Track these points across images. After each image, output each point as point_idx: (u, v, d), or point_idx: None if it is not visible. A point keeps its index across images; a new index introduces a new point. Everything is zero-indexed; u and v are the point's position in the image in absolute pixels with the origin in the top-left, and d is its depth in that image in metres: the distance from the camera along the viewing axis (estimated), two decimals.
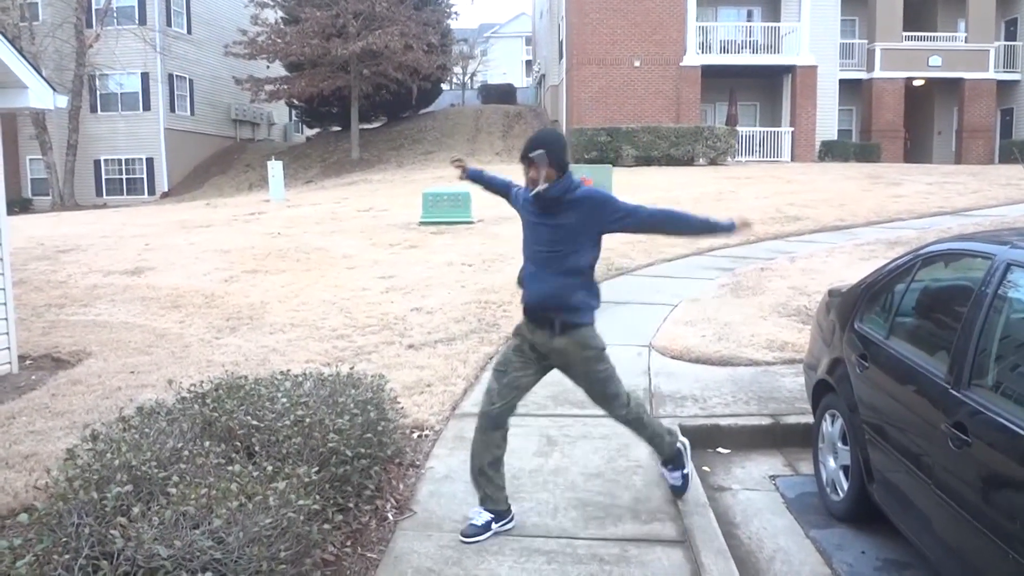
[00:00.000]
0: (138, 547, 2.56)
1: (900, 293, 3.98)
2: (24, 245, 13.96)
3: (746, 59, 27.56)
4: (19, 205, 30.06)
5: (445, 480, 4.34)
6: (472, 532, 3.65)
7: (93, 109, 31.51)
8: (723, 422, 5.24)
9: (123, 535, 2.60)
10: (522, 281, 3.72)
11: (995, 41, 28.86)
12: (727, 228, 3.71)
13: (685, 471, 4.09)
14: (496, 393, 3.73)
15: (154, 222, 17.90)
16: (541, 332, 3.67)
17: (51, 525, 2.76)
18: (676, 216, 3.79)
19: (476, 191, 14.91)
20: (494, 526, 3.69)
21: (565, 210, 3.57)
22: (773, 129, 27.80)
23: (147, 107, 31.58)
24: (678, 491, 4.09)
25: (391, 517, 3.90)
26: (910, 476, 3.30)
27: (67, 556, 2.58)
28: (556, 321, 3.62)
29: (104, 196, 31.78)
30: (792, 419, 5.24)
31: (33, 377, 6.58)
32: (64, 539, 2.67)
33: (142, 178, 32.00)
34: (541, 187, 3.52)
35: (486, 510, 3.71)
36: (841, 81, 28.38)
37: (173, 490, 2.90)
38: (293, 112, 38.57)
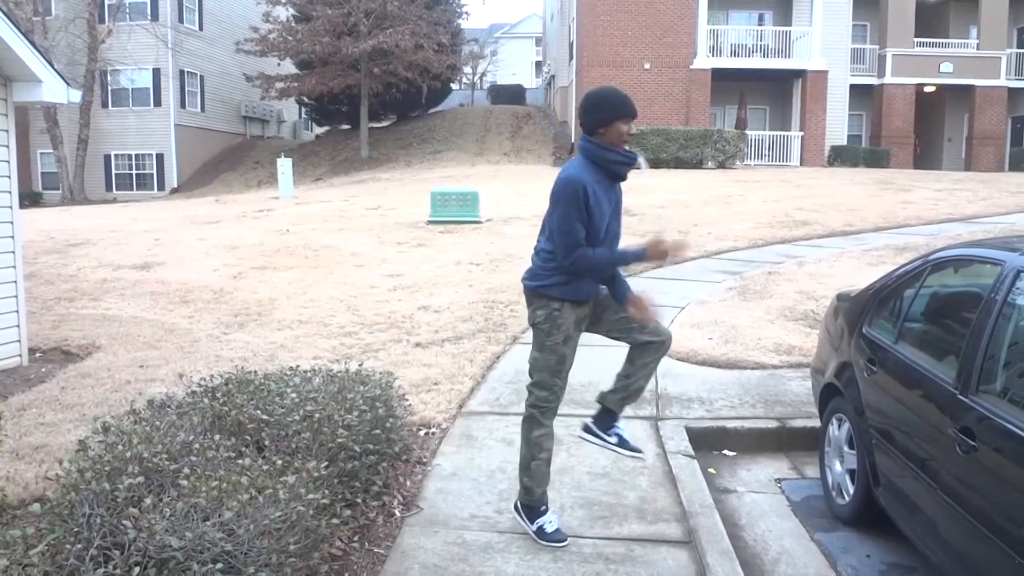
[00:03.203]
0: (149, 538, 2.58)
1: (909, 298, 3.98)
2: (34, 238, 14.03)
3: (756, 63, 27.50)
4: (30, 199, 30.19)
5: (452, 478, 4.36)
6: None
7: (104, 104, 31.65)
8: (729, 424, 5.25)
9: (135, 526, 2.63)
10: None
11: (1007, 48, 28.75)
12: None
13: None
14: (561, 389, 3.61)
15: (163, 217, 17.97)
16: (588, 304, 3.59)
17: (63, 515, 2.79)
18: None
19: (485, 191, 14.80)
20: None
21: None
22: (782, 133, 27.74)
23: (158, 103, 31.69)
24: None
25: (398, 513, 3.92)
26: (916, 480, 3.31)
27: (79, 546, 2.61)
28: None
29: (114, 191, 31.90)
30: (798, 422, 5.25)
31: (43, 370, 6.63)
32: (76, 529, 2.70)
33: (152, 173, 32.11)
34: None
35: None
36: (852, 86, 28.30)
37: (184, 482, 2.93)
38: (303, 110, 38.66)
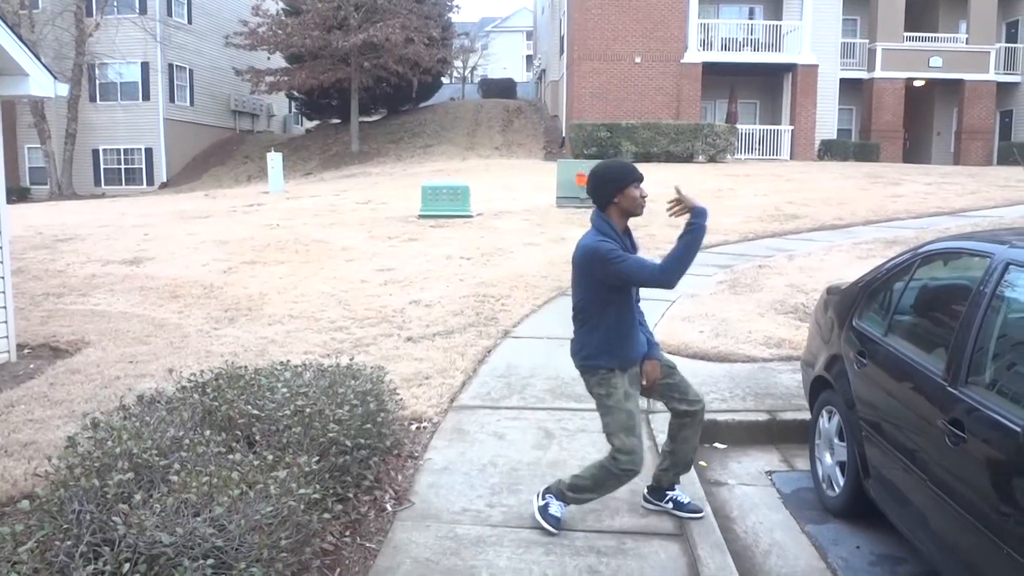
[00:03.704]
0: (140, 534, 2.57)
1: (899, 291, 4.00)
2: (22, 234, 13.94)
3: (747, 57, 27.54)
4: (17, 194, 29.99)
5: (443, 472, 4.36)
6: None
7: (92, 98, 31.46)
8: (720, 418, 5.26)
9: (124, 522, 2.62)
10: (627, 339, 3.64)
11: (996, 43, 28.85)
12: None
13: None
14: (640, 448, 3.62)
15: (153, 212, 17.89)
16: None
17: (52, 512, 2.77)
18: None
19: (476, 185, 14.73)
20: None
21: None
22: (773, 127, 27.80)
23: (146, 97, 31.52)
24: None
25: (390, 508, 3.92)
26: (906, 472, 3.33)
27: (68, 543, 2.59)
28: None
29: (103, 186, 31.74)
30: (789, 415, 5.27)
31: (31, 366, 6.59)
32: (65, 526, 2.69)
33: (141, 168, 31.97)
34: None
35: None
36: (841, 80, 28.36)
37: (174, 478, 2.91)
38: (293, 104, 38.53)
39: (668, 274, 3.38)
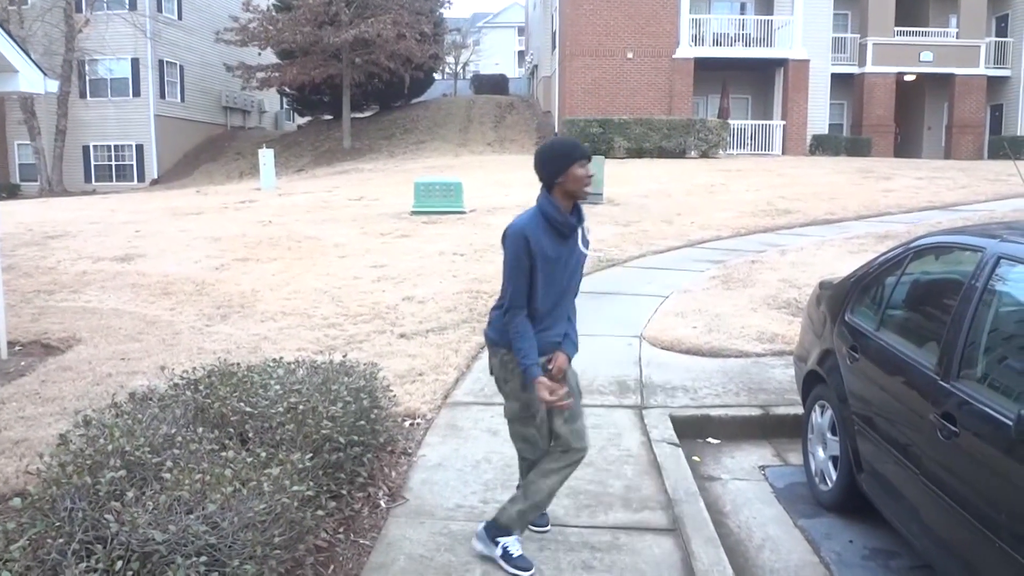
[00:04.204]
0: (132, 531, 2.56)
1: (891, 285, 4.01)
2: (12, 231, 13.87)
3: (739, 52, 27.56)
4: (7, 191, 29.88)
5: (437, 468, 4.36)
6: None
7: (82, 95, 31.30)
8: (713, 412, 5.28)
9: (117, 519, 2.60)
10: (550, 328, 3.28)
11: (986, 37, 28.95)
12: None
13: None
14: (541, 438, 3.38)
15: (144, 209, 17.81)
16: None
17: (44, 509, 2.76)
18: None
19: (468, 182, 14.72)
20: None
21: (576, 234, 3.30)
22: (765, 122, 27.85)
23: (137, 93, 31.38)
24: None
25: (383, 504, 3.92)
26: (898, 466, 3.34)
27: (61, 540, 2.58)
28: None
29: (93, 182, 31.59)
30: (782, 410, 5.28)
31: (22, 363, 6.55)
32: (57, 523, 2.67)
33: (131, 164, 31.83)
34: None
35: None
36: (833, 75, 28.41)
37: (167, 475, 2.90)
38: (284, 100, 38.44)
39: (510, 322, 3.19)
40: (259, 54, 32.14)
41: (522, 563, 3.32)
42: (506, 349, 3.29)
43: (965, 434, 2.87)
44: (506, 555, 3.34)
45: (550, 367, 3.28)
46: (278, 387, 3.92)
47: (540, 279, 3.19)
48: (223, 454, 3.16)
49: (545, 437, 3.37)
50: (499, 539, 3.36)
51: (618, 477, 4.25)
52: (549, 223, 3.20)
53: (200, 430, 3.41)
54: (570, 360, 3.39)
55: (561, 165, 3.18)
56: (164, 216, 16.01)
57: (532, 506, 3.35)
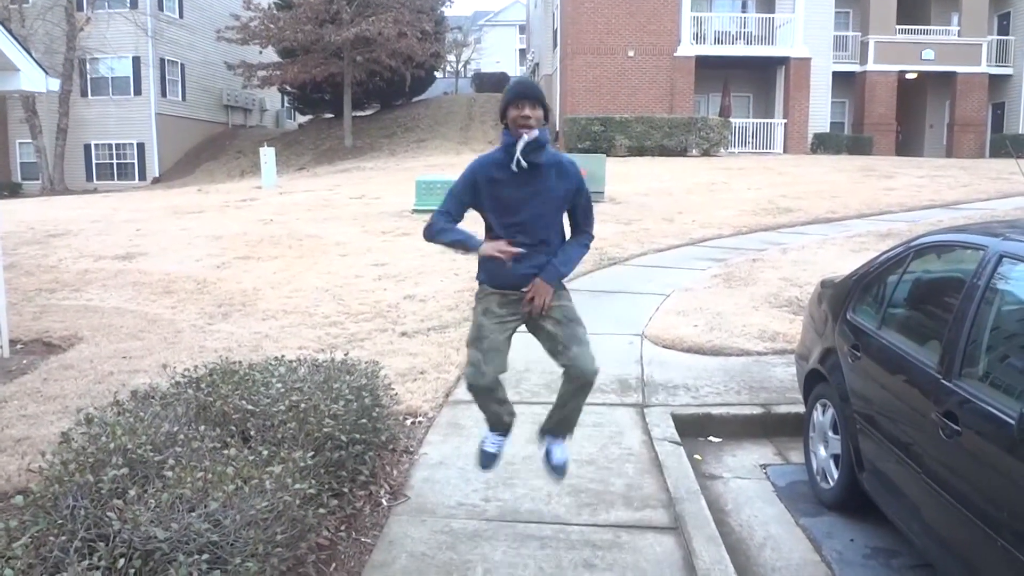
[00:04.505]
0: (134, 529, 2.56)
1: (892, 284, 4.01)
2: (14, 229, 13.88)
3: (740, 50, 27.52)
4: (9, 189, 29.90)
5: (439, 466, 4.36)
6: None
7: (84, 93, 31.29)
8: (715, 411, 5.27)
9: (119, 517, 2.61)
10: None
11: (988, 35, 28.92)
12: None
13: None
14: (483, 362, 3.41)
15: (145, 207, 17.81)
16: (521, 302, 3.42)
17: (47, 507, 2.76)
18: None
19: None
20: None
21: (547, 168, 3.34)
22: (766, 121, 27.82)
23: (138, 92, 31.37)
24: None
25: (385, 502, 3.92)
26: (900, 465, 3.34)
27: (63, 538, 2.58)
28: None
29: (94, 181, 31.58)
30: (783, 408, 5.28)
31: (24, 362, 6.56)
32: (60, 521, 2.67)
33: (133, 163, 31.82)
34: (533, 134, 3.25)
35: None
36: (834, 74, 28.38)
37: (169, 473, 2.91)
38: (285, 98, 38.40)
39: (427, 224, 3.46)
40: (260, 52, 32.13)
41: (484, 459, 3.72)
42: (480, 281, 3.53)
43: (967, 433, 2.87)
44: (547, 454, 3.67)
45: (528, 295, 3.36)
46: (280, 385, 3.92)
47: (488, 204, 3.38)
48: (225, 452, 3.16)
49: (490, 363, 3.39)
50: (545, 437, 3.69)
51: (619, 475, 4.26)
52: (502, 151, 3.34)
53: (202, 428, 3.42)
54: (554, 285, 3.40)
55: (503, 108, 3.35)
56: (165, 214, 16.02)
57: (558, 421, 3.62)
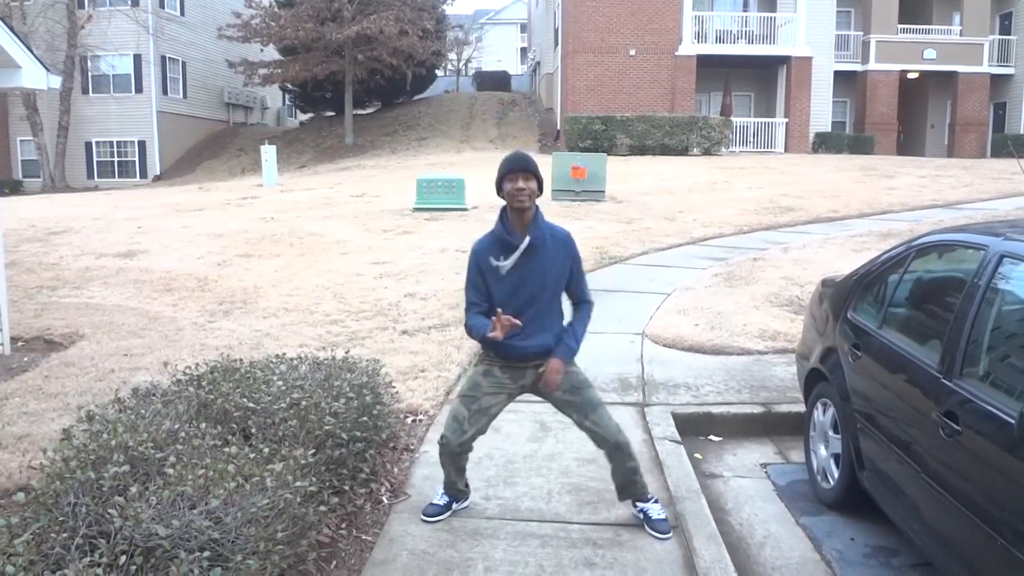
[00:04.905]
0: (136, 526, 2.57)
1: (893, 283, 4.01)
2: (15, 227, 13.89)
3: (741, 49, 27.50)
4: (10, 187, 29.89)
5: (439, 464, 4.34)
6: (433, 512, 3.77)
7: (85, 91, 31.28)
8: (715, 410, 5.28)
9: (120, 514, 2.61)
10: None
11: (989, 35, 28.89)
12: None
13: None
14: (467, 420, 3.60)
15: (146, 205, 17.82)
16: (532, 371, 3.58)
17: (48, 504, 2.77)
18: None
19: (471, 178, 14.67)
20: (455, 506, 3.84)
21: (543, 246, 3.45)
22: (767, 120, 27.80)
23: (139, 89, 31.35)
24: None
25: (386, 500, 3.92)
26: (900, 464, 3.34)
27: (64, 535, 2.59)
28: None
29: (96, 179, 31.57)
30: (784, 408, 5.29)
31: (25, 359, 6.57)
32: (61, 518, 2.68)
33: (134, 161, 31.81)
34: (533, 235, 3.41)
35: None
36: (836, 73, 28.34)
37: (170, 471, 2.91)
38: (286, 96, 38.38)
39: (466, 321, 3.53)
40: (261, 50, 32.13)
41: (430, 508, 3.78)
42: (482, 354, 3.65)
43: (967, 432, 2.87)
44: (647, 518, 3.67)
45: (541, 371, 3.50)
46: (281, 383, 3.92)
47: (494, 290, 3.46)
48: (226, 450, 3.17)
49: (474, 425, 3.59)
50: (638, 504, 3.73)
51: None
52: (498, 240, 3.46)
53: (203, 426, 3.42)
54: (566, 362, 3.55)
55: (498, 181, 3.44)
56: (166, 212, 16.03)
57: (619, 486, 3.72)
